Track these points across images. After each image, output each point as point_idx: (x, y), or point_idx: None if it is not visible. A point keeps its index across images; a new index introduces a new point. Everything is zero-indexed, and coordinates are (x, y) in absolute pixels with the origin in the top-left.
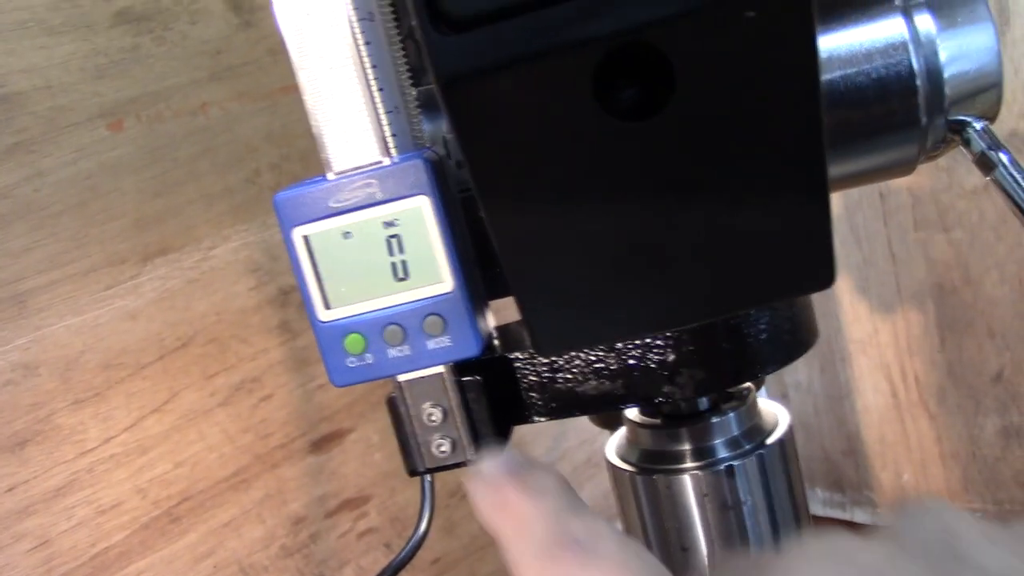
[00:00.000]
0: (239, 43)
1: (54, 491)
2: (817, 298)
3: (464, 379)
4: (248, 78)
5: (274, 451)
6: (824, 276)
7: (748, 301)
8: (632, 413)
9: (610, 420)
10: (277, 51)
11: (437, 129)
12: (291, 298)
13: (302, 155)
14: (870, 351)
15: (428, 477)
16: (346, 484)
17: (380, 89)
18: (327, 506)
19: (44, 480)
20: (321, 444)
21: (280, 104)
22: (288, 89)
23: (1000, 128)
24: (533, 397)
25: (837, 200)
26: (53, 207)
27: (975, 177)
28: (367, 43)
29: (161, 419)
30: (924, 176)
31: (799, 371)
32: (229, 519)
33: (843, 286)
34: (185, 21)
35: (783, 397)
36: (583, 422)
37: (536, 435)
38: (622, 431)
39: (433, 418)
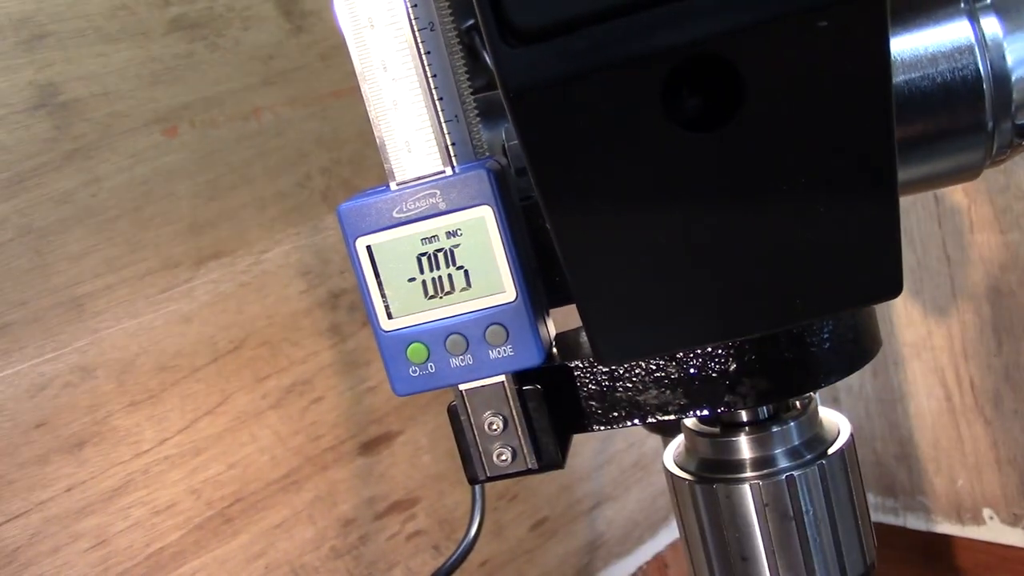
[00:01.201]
0: (291, 48)
1: (111, 491)
2: None
3: (525, 388)
4: (300, 83)
5: (324, 453)
6: (891, 286)
7: (815, 311)
8: (690, 421)
9: (661, 426)
10: (328, 56)
11: (495, 136)
12: (341, 301)
13: (352, 159)
14: (924, 355)
15: None
16: (395, 486)
17: (440, 98)
18: (376, 508)
19: (101, 481)
20: (370, 446)
21: (331, 108)
22: (339, 93)
23: None
24: (592, 406)
25: None
26: (110, 212)
27: None
28: (427, 52)
29: (214, 421)
30: (980, 177)
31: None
32: (280, 520)
33: None
34: (238, 27)
35: (834, 401)
36: (630, 428)
37: (585, 439)
38: (680, 439)
39: (494, 427)
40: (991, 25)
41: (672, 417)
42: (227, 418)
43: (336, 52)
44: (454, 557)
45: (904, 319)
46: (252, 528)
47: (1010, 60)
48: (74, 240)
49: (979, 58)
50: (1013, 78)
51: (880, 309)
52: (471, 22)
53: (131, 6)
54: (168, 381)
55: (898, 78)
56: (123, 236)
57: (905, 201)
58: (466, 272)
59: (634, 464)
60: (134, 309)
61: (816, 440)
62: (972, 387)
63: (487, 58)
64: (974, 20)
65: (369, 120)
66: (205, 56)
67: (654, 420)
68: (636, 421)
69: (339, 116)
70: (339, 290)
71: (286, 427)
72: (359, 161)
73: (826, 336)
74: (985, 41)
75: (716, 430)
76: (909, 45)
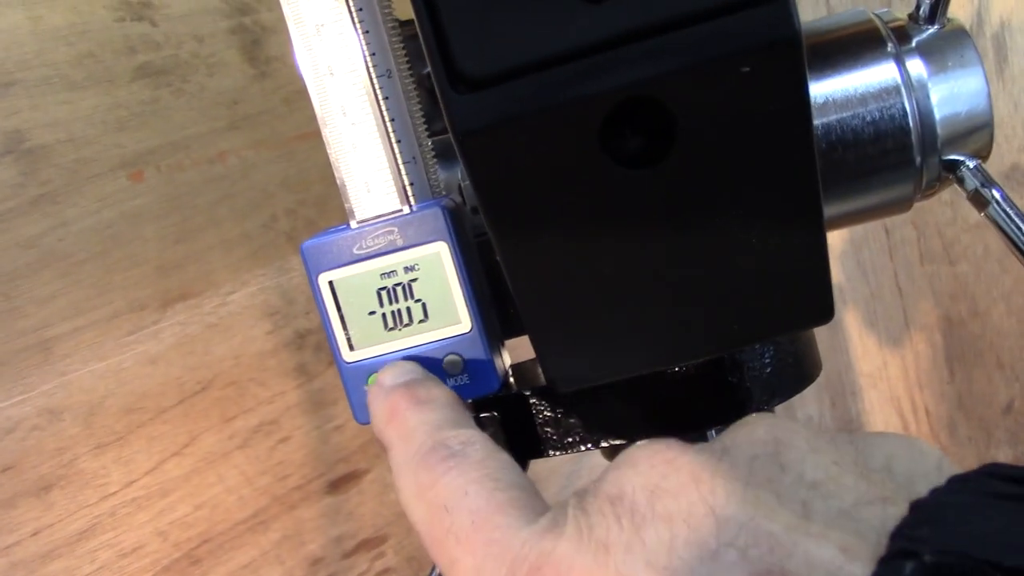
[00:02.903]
0: (255, 93)
1: (77, 535)
2: (826, 332)
3: (482, 415)
4: (264, 127)
5: (292, 492)
6: (823, 311)
7: (753, 337)
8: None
9: (617, 453)
10: (292, 100)
11: (452, 176)
12: (307, 341)
13: (317, 200)
14: (880, 384)
15: None
16: (363, 524)
17: (398, 141)
18: (344, 547)
19: (68, 524)
20: (338, 485)
21: (296, 151)
22: (303, 137)
23: (1002, 162)
24: (548, 432)
25: (843, 235)
26: (77, 255)
27: None
28: (386, 98)
29: (181, 462)
30: (928, 211)
31: (810, 405)
32: (248, 560)
33: (851, 320)
34: (203, 73)
35: None
36: (596, 460)
37: (549, 473)
38: None
39: None
40: (916, 67)
41: (624, 441)
42: (194, 459)
43: (299, 96)
44: None
45: (860, 350)
46: (220, 569)
47: (934, 100)
48: (42, 284)
49: (905, 98)
50: (938, 116)
51: (836, 340)
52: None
53: (97, 54)
54: (135, 423)
55: (830, 117)
56: (90, 279)
57: (857, 235)
58: (423, 305)
59: None
60: (101, 351)
61: None
62: (927, 415)
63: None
64: (900, 63)
65: (328, 164)
66: (171, 102)
67: (607, 445)
68: (590, 446)
69: (303, 159)
70: (305, 330)
71: (253, 467)
72: (324, 203)
73: (767, 360)
74: (911, 82)
75: None
76: (840, 86)
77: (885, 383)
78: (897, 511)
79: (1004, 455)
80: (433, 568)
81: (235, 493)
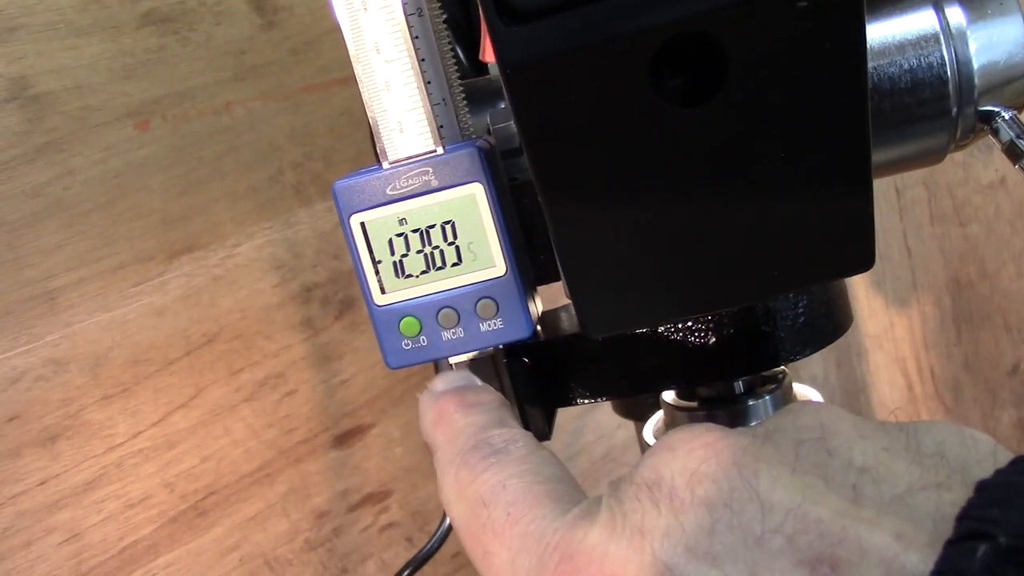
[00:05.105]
0: (262, 43)
1: (84, 485)
2: None
3: (513, 361)
4: (271, 78)
5: (298, 446)
6: (864, 259)
7: (791, 284)
8: (669, 396)
9: (634, 409)
10: (300, 51)
11: (480, 121)
12: (314, 295)
13: (324, 153)
14: (886, 345)
15: None
16: (368, 479)
17: (428, 82)
18: (350, 500)
19: (74, 474)
20: (344, 439)
21: (303, 103)
22: (310, 88)
23: None
24: (577, 379)
25: None
26: (82, 205)
27: (991, 172)
28: (416, 37)
29: (188, 414)
30: (940, 171)
31: (815, 365)
32: (254, 513)
33: (859, 280)
34: (210, 22)
35: None
36: (601, 417)
37: (555, 431)
38: (659, 415)
39: None
40: (955, 15)
41: (653, 390)
42: (201, 411)
43: (307, 47)
44: (428, 546)
45: (866, 310)
46: (226, 521)
47: (973, 48)
48: (47, 233)
49: (943, 46)
50: (975, 65)
51: None
52: (445, 16)
53: (102, 0)
54: (141, 375)
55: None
56: (96, 230)
57: None
58: (457, 248)
59: (604, 456)
60: (107, 303)
61: None
62: (933, 376)
63: (460, 52)
64: (939, 10)
65: (336, 117)
66: (177, 50)
67: (636, 393)
68: (618, 394)
69: (311, 111)
70: (312, 284)
71: (260, 420)
72: (330, 156)
73: (800, 310)
74: (950, 30)
75: (694, 404)
76: (878, 33)
77: (891, 344)
78: (952, 496)
79: (1009, 417)
80: (441, 522)
81: (241, 446)
